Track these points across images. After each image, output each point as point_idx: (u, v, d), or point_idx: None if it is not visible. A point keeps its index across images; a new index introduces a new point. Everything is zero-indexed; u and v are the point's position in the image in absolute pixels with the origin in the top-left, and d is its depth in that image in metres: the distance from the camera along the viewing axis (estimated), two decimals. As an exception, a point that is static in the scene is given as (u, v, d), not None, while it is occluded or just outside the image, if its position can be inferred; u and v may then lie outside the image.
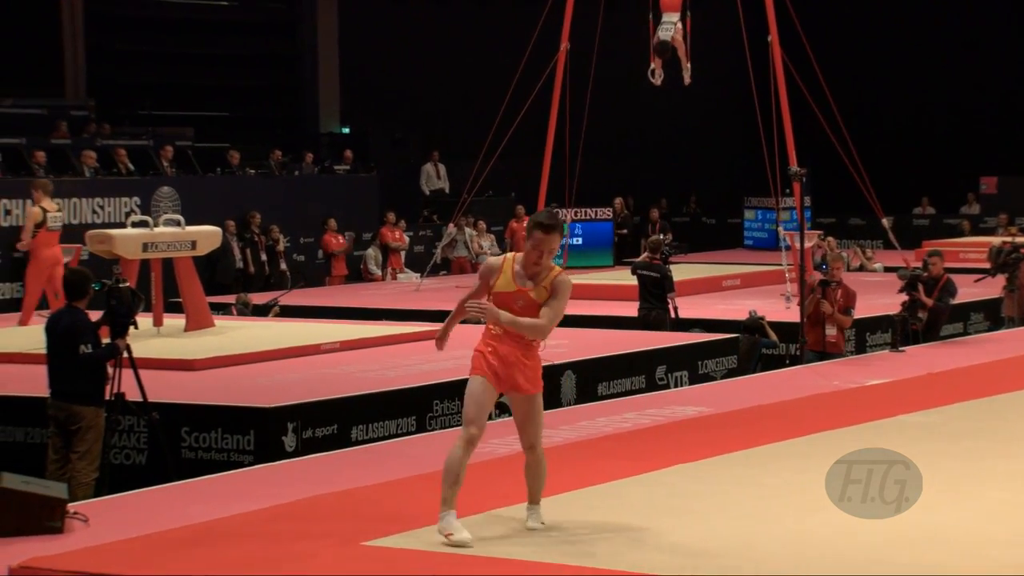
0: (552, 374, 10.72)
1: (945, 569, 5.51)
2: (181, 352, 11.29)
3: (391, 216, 21.46)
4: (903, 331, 12.42)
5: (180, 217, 13.44)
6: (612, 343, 12.24)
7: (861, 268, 20.36)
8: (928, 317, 12.85)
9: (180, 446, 9.02)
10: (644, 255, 14.55)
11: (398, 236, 21.47)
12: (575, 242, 20.90)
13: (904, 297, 12.56)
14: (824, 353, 11.83)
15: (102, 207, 17.76)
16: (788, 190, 17.93)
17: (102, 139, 19.83)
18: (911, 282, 12.57)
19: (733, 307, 15.12)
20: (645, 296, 14.00)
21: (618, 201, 23.51)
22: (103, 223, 17.08)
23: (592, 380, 11.12)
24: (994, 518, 6.31)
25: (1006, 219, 24.31)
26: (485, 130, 17.76)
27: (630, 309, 14.26)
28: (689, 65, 15.78)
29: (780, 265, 16.75)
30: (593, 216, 21.49)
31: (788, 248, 16.73)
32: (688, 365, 12.06)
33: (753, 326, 13.28)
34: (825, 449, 7.93)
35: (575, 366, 11.02)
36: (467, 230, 22.04)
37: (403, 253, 21.70)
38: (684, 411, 9.45)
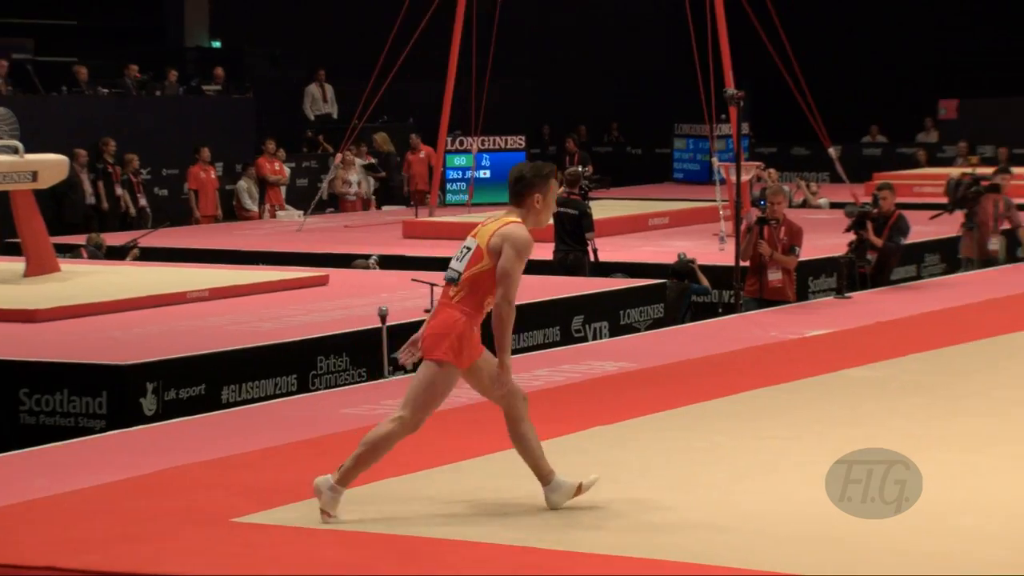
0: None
1: (893, 541, 5.61)
2: (20, 301, 11.16)
3: (270, 145, 21.26)
4: (849, 275, 12.60)
5: (18, 143, 13.16)
6: (522, 290, 12.14)
7: (804, 204, 20.62)
8: (877, 259, 13.04)
9: (18, 410, 8.92)
10: (561, 190, 14.58)
11: (278, 168, 21.27)
12: (482, 175, 20.89)
13: (851, 236, 12.73)
14: (765, 301, 11.93)
15: (-75, 132, 17.30)
16: (724, 116, 18.06)
17: (-78, 51, 19.34)
18: (859, 219, 12.73)
19: (660, 249, 15.24)
20: (561, 236, 14.05)
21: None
22: (-74, 151, 16.67)
23: (499, 332, 11.12)
24: (948, 482, 6.43)
25: (966, 148, 24.75)
26: (379, 46, 17.61)
27: (544, 251, 14.28)
28: None
29: (714, 201, 16.89)
30: (503, 145, 21.46)
31: (723, 182, 16.87)
32: (609, 315, 12.14)
33: (682, 270, 13.39)
34: (760, 408, 8.07)
35: (480, 316, 11.02)
36: (357, 161, 21.84)
37: (283, 188, 21.50)
38: (603, 367, 9.52)
